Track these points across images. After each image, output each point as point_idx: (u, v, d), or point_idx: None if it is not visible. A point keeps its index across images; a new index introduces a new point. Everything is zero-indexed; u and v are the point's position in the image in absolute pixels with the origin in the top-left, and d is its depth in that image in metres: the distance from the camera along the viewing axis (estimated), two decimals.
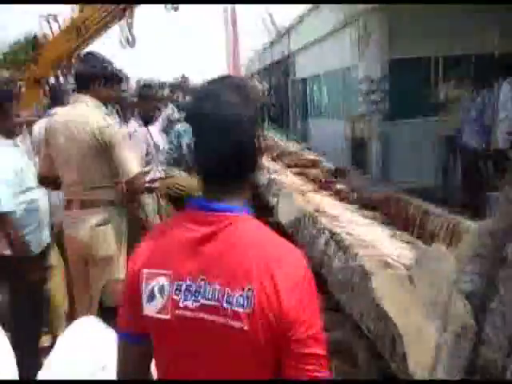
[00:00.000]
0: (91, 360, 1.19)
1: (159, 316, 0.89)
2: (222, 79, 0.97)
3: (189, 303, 0.86)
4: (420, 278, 1.65)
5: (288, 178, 4.66)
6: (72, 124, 2.35)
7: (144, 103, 3.73)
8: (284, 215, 3.73)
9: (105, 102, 2.46)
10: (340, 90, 8.78)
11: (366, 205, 4.34)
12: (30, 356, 2.30)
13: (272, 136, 6.31)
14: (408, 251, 2.52)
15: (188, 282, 0.87)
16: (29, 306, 2.55)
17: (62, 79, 10.49)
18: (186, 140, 4.55)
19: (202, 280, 0.86)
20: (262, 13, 14.40)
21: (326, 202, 3.89)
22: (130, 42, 6.81)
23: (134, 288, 0.94)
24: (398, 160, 6.66)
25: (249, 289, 0.83)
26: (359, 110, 7.56)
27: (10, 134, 2.56)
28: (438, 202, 3.45)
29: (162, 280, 0.89)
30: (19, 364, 1.58)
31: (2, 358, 1.15)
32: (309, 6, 10.06)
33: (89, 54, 2.58)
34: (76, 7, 6.74)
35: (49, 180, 2.51)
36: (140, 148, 3.43)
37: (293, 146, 6.31)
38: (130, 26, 6.59)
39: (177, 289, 0.88)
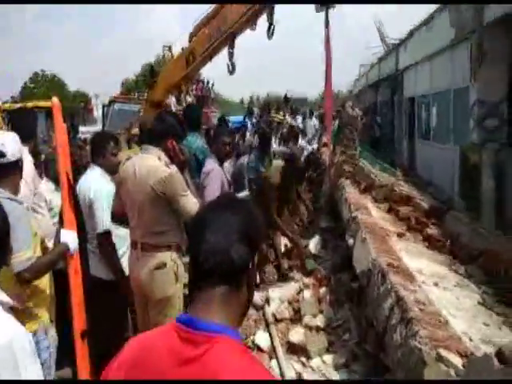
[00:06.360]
0: None
1: None
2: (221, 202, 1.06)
3: None
4: None
5: (372, 217, 4.31)
6: (138, 174, 2.53)
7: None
8: (358, 262, 3.44)
9: (170, 155, 2.60)
10: (450, 112, 7.98)
11: (463, 257, 3.80)
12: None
13: (363, 165, 5.94)
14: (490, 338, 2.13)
15: None
16: (117, 327, 2.85)
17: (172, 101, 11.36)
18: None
19: None
20: (373, 26, 13.87)
21: (407, 251, 3.51)
22: (231, 71, 7.12)
23: None
24: None
25: None
26: (471, 137, 6.76)
27: (112, 170, 2.92)
28: None
29: None
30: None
31: None
32: (420, 19, 9.39)
33: (166, 112, 2.77)
34: (186, 38, 7.29)
35: (117, 217, 2.70)
36: (216, 186, 3.51)
37: (385, 177, 5.88)
38: (230, 56, 6.88)
39: None
